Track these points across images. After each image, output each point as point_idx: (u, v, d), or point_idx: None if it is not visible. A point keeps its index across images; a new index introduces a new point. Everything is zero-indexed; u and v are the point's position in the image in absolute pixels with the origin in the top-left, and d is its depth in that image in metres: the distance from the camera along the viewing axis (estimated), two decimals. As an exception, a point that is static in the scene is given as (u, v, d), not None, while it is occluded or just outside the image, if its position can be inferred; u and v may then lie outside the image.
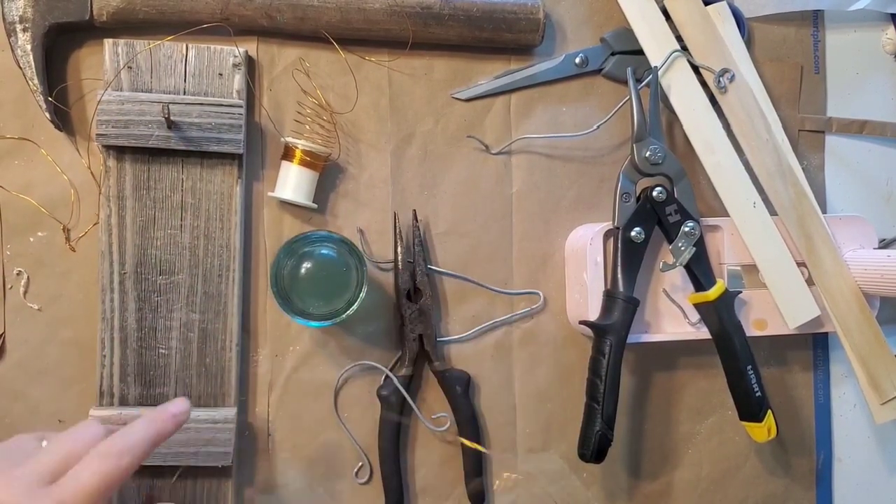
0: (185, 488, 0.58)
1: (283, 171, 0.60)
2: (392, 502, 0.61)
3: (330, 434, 0.62)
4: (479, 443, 0.62)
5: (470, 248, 0.64)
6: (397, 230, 0.61)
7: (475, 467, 0.62)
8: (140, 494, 0.57)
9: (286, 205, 0.61)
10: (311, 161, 0.59)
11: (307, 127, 0.61)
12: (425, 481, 0.63)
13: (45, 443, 0.44)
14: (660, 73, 0.63)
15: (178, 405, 0.46)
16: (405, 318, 0.61)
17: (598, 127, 0.64)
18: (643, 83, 0.61)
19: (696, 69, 0.64)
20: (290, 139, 0.59)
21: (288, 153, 0.59)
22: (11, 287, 0.58)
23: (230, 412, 0.57)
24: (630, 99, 0.61)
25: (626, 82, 0.62)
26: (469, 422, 0.62)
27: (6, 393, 0.58)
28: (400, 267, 0.61)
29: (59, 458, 0.41)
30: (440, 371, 0.62)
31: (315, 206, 0.61)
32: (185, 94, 0.58)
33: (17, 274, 0.59)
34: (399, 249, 0.61)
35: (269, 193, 0.60)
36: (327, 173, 0.61)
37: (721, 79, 0.64)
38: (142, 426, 0.44)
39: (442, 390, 0.63)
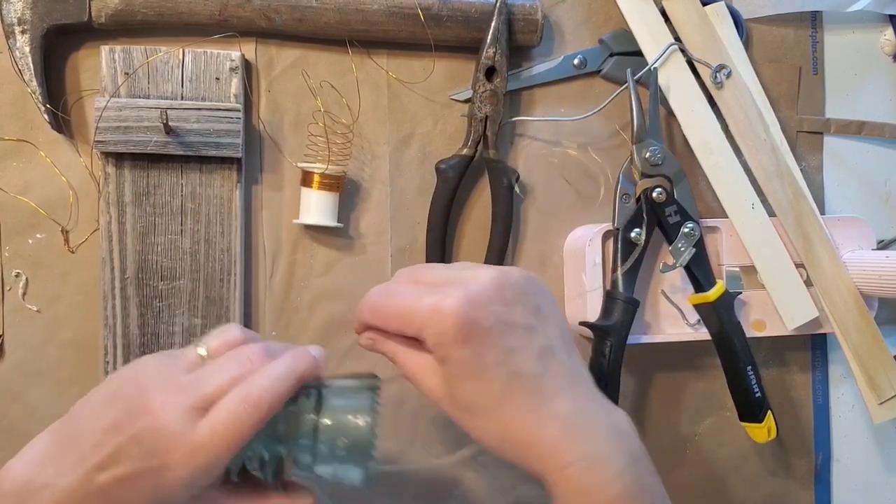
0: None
1: (303, 197, 0.60)
2: None
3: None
4: (508, 238, 0.62)
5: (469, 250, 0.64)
6: (498, 4, 0.60)
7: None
8: None
9: (283, 205, 0.61)
10: (330, 183, 0.59)
11: (318, 146, 0.61)
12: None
13: (201, 350, 0.43)
14: (657, 68, 0.63)
15: (316, 349, 0.44)
16: (476, 95, 0.61)
17: (594, 113, 0.64)
18: (638, 75, 0.61)
19: (694, 71, 0.65)
20: (305, 165, 0.60)
21: (306, 179, 0.59)
22: (10, 288, 0.58)
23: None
24: (630, 100, 0.61)
25: (624, 83, 0.62)
26: (504, 217, 0.62)
27: (4, 394, 0.58)
28: (488, 41, 0.60)
29: (218, 386, 0.40)
30: (492, 160, 0.62)
31: (341, 225, 0.61)
32: (182, 99, 0.57)
33: (16, 275, 0.58)
34: (494, 24, 0.60)
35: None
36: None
37: (717, 74, 0.64)
38: (284, 367, 0.41)
39: (488, 179, 0.63)
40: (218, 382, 0.40)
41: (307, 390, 0.44)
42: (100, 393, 0.42)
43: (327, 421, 0.43)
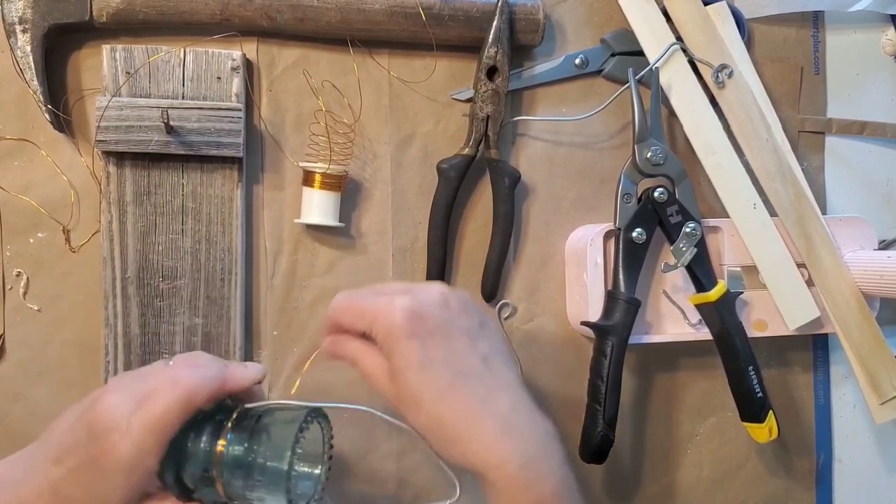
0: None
1: (305, 196, 0.60)
2: (434, 268, 0.62)
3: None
4: (509, 238, 0.63)
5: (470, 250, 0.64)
6: (500, 3, 0.60)
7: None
8: None
9: (284, 204, 0.61)
10: (332, 183, 0.59)
11: (319, 146, 0.61)
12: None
13: (168, 361, 0.48)
14: (659, 68, 0.63)
15: (255, 366, 0.49)
16: (478, 94, 0.61)
17: (596, 113, 0.64)
18: (639, 75, 0.61)
19: (696, 71, 0.64)
20: (307, 164, 0.60)
21: (307, 179, 0.59)
22: (11, 288, 0.58)
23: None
24: (631, 99, 0.61)
25: (625, 83, 0.62)
26: (506, 217, 0.62)
27: (6, 394, 0.58)
28: (490, 41, 0.60)
29: (158, 380, 0.44)
30: (494, 160, 0.62)
31: (342, 224, 0.61)
32: (183, 98, 0.57)
33: (17, 275, 0.58)
34: (496, 23, 0.60)
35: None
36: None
37: (719, 74, 0.64)
38: (217, 369, 0.46)
39: (490, 179, 0.63)
40: (159, 377, 0.45)
41: (248, 413, 0.47)
42: (75, 404, 0.46)
43: (254, 449, 0.46)
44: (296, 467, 0.45)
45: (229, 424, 0.46)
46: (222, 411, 0.48)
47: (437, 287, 0.48)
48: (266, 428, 0.47)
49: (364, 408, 0.49)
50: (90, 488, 0.43)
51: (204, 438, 0.46)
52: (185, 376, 0.44)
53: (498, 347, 0.49)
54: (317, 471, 0.50)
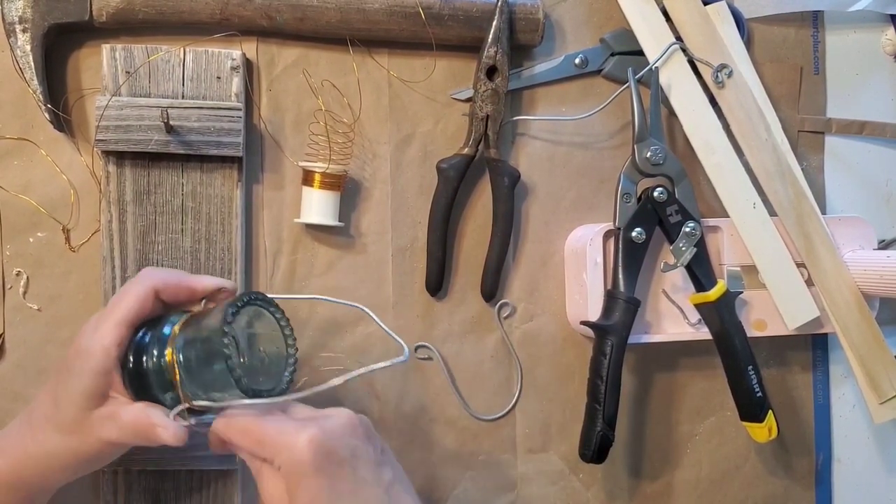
0: (192, 489, 0.58)
1: (304, 196, 0.60)
2: (434, 268, 0.62)
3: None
4: (509, 237, 0.63)
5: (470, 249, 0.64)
6: (500, 3, 0.60)
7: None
8: None
9: (284, 204, 0.61)
10: (331, 182, 0.59)
11: (319, 146, 0.61)
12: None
13: None
14: (658, 68, 0.63)
15: (220, 280, 0.51)
16: (478, 94, 0.61)
17: (595, 112, 0.64)
18: (639, 75, 0.61)
19: (696, 70, 0.64)
20: (306, 164, 0.60)
21: (307, 178, 0.59)
22: (11, 287, 0.58)
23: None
24: (631, 99, 0.61)
25: (625, 83, 0.62)
26: (505, 217, 0.62)
27: (5, 393, 0.58)
28: (489, 41, 0.60)
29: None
30: (493, 159, 0.62)
31: (342, 224, 0.61)
32: (183, 98, 0.58)
33: (17, 274, 0.58)
34: (496, 23, 0.60)
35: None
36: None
37: (719, 74, 0.64)
38: (175, 273, 0.51)
39: (489, 179, 0.63)
40: (128, 283, 0.49)
41: (192, 319, 0.48)
42: None
43: (199, 328, 0.47)
44: (233, 354, 0.44)
45: (175, 332, 0.47)
46: (174, 320, 0.49)
47: (344, 414, 0.46)
48: (205, 324, 0.46)
49: (354, 304, 0.50)
50: (55, 393, 0.47)
51: (155, 351, 0.47)
52: (148, 273, 0.48)
53: (398, 473, 0.47)
54: (281, 350, 0.49)
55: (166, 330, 0.48)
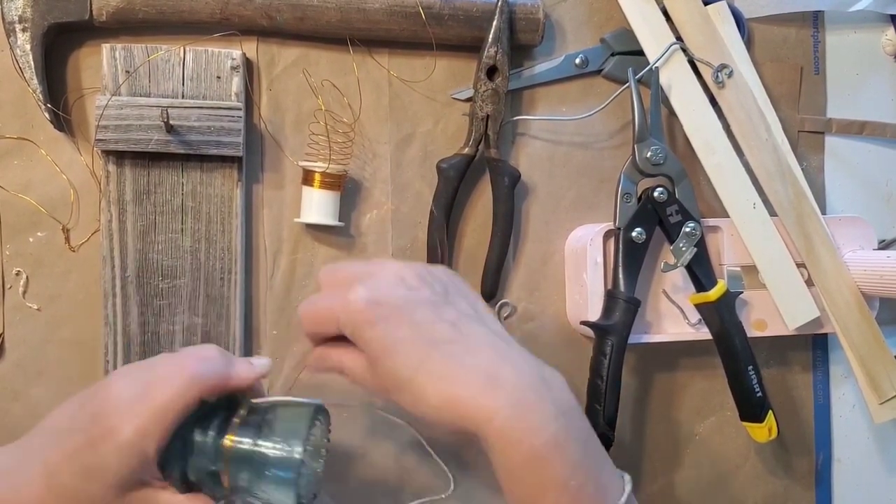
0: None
1: (304, 196, 0.60)
2: None
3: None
4: (509, 237, 0.63)
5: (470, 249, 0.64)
6: (500, 3, 0.60)
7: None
8: None
9: (284, 203, 0.61)
10: (332, 182, 0.59)
11: (319, 145, 0.61)
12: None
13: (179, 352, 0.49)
14: (659, 68, 0.63)
15: (259, 359, 0.50)
16: (478, 94, 0.61)
17: (595, 112, 0.64)
18: (639, 75, 0.61)
19: (696, 70, 0.64)
20: (306, 164, 0.59)
21: (307, 178, 0.59)
22: (10, 287, 0.58)
23: None
24: (631, 99, 0.61)
25: (625, 83, 0.62)
26: (505, 216, 0.62)
27: (5, 393, 0.58)
28: (490, 40, 0.60)
29: (166, 369, 0.46)
30: (494, 159, 0.62)
31: (342, 224, 0.61)
32: (183, 97, 0.57)
33: (17, 274, 0.58)
34: (496, 23, 0.60)
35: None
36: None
37: (719, 74, 0.64)
38: (221, 361, 0.47)
39: (490, 178, 0.63)
40: (166, 365, 0.46)
41: (254, 408, 0.48)
42: (75, 394, 0.47)
43: (262, 443, 0.46)
44: (305, 460, 0.46)
45: (237, 420, 0.47)
46: (228, 406, 0.48)
47: (390, 266, 0.47)
48: (274, 422, 0.47)
49: (364, 403, 0.49)
50: (86, 472, 0.43)
51: (211, 432, 0.46)
52: (192, 365, 0.45)
53: (466, 310, 0.47)
54: (318, 466, 0.50)
55: (227, 418, 0.47)
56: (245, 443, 0.46)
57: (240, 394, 0.49)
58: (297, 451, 0.45)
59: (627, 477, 0.46)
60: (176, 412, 0.44)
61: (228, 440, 0.46)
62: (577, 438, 0.43)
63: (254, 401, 0.49)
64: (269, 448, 0.46)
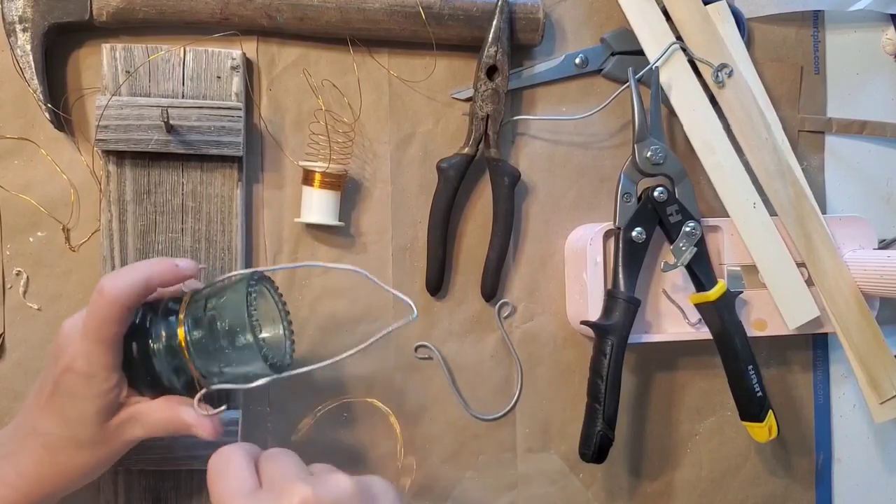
0: (192, 489, 0.58)
1: (305, 196, 0.60)
2: (434, 268, 0.62)
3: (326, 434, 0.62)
4: (509, 237, 0.63)
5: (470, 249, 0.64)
6: (500, 3, 0.60)
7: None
8: None
9: (284, 203, 0.61)
10: (332, 182, 0.59)
11: (319, 145, 0.61)
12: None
13: None
14: (659, 67, 0.63)
15: (183, 260, 0.49)
16: (478, 94, 0.61)
17: (595, 112, 0.64)
18: (639, 75, 0.61)
19: (696, 70, 0.64)
20: (306, 164, 0.60)
21: (307, 178, 0.59)
22: (11, 287, 0.58)
23: (234, 414, 0.57)
24: (631, 99, 0.61)
25: (625, 82, 0.62)
26: (505, 216, 0.62)
27: (5, 392, 0.58)
28: (490, 40, 0.60)
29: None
30: (493, 159, 0.62)
31: (342, 224, 0.61)
32: (183, 97, 0.57)
33: (17, 274, 0.58)
34: (496, 23, 0.60)
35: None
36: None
37: (719, 73, 0.64)
38: (136, 275, 0.47)
39: (490, 178, 0.63)
40: (92, 296, 0.47)
41: (194, 297, 0.49)
42: None
43: (215, 324, 0.47)
44: (258, 327, 0.46)
45: (181, 315, 0.48)
46: (168, 306, 0.49)
47: (345, 483, 0.39)
48: (217, 303, 0.48)
49: (351, 267, 0.50)
50: (66, 417, 0.46)
51: (163, 334, 0.48)
52: (108, 284, 0.46)
53: None
54: (279, 330, 0.51)
55: (171, 316, 0.48)
56: (195, 333, 0.47)
57: (182, 292, 0.51)
58: (245, 321, 0.46)
59: None
60: (110, 329, 0.45)
61: (180, 336, 0.47)
62: None
63: (193, 291, 0.50)
64: (219, 328, 0.47)
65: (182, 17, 0.58)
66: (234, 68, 0.58)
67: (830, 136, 0.70)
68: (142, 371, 0.48)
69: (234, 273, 0.51)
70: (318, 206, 0.59)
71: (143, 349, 0.48)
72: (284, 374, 0.47)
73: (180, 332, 0.47)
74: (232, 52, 0.58)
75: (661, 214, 0.61)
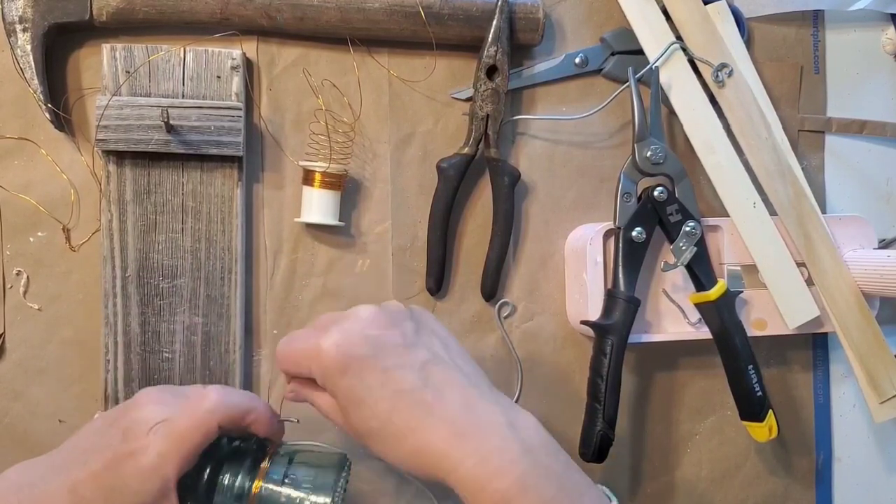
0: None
1: (305, 195, 0.60)
2: (434, 268, 0.62)
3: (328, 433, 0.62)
4: (509, 237, 0.63)
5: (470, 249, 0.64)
6: (499, 2, 0.60)
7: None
8: None
9: (284, 203, 0.61)
10: (332, 181, 0.59)
11: (319, 145, 0.61)
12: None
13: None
14: (659, 67, 0.63)
15: (281, 423, 0.51)
16: (478, 93, 0.61)
17: (595, 112, 0.64)
18: (639, 74, 0.61)
19: (696, 70, 0.65)
20: (306, 164, 0.60)
21: (307, 178, 0.59)
22: (11, 287, 0.58)
23: None
24: (631, 99, 0.61)
25: (625, 82, 0.62)
26: (505, 216, 0.63)
27: (6, 392, 0.58)
28: (490, 40, 0.60)
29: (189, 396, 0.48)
30: (493, 159, 0.62)
31: (342, 223, 0.61)
32: (183, 97, 0.58)
33: (17, 274, 0.58)
34: (496, 22, 0.60)
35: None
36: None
37: (719, 73, 0.64)
38: (243, 395, 0.48)
39: (490, 178, 0.63)
40: (192, 393, 0.47)
41: (279, 452, 0.49)
42: (104, 413, 0.49)
43: (290, 492, 0.47)
44: None
45: (265, 465, 0.47)
46: (257, 451, 0.49)
47: (363, 310, 0.47)
48: (301, 469, 0.48)
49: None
50: (108, 492, 0.43)
51: (240, 474, 0.47)
52: (215, 394, 0.46)
53: (438, 350, 0.47)
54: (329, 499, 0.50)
55: (250, 461, 0.48)
56: (272, 489, 0.47)
57: (268, 440, 0.50)
58: (329, 500, 0.47)
59: (615, 501, 0.46)
60: (194, 438, 0.44)
61: (257, 485, 0.47)
62: (550, 475, 0.43)
63: (279, 445, 0.50)
64: (296, 497, 0.47)
65: (182, 17, 0.58)
66: (234, 68, 0.58)
67: (830, 136, 0.70)
68: (201, 496, 0.47)
69: (321, 445, 0.52)
70: (318, 205, 0.60)
71: (211, 478, 0.47)
72: None
73: (258, 482, 0.47)
74: (232, 52, 0.58)
75: (661, 214, 0.61)
